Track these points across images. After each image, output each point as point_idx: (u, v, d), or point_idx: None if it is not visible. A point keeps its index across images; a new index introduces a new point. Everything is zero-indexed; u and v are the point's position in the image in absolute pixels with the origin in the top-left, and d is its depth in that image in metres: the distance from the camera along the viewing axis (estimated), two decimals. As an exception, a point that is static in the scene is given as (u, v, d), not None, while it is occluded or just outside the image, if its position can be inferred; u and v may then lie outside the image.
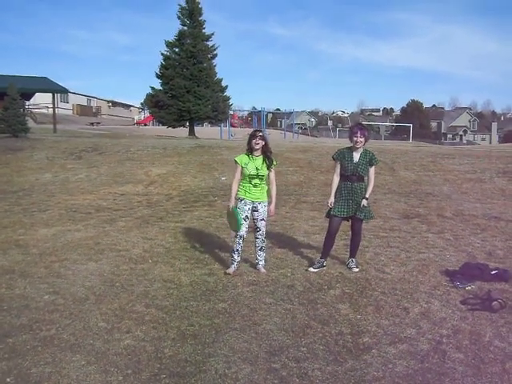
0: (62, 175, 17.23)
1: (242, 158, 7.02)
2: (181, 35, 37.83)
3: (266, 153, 7.04)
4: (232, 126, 55.37)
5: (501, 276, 6.72)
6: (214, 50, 38.91)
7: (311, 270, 7.10)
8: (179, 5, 38.00)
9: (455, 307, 5.78)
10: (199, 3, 38.37)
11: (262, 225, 7.09)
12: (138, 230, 9.64)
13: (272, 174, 7.13)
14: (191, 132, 38.26)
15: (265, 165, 6.99)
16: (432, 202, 12.79)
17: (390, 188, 14.93)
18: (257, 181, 6.95)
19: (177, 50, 37.99)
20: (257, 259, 7.17)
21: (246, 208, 6.97)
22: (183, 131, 39.04)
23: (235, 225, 6.96)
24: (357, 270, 7.14)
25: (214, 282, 6.59)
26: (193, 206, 12.19)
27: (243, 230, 6.96)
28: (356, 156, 7.05)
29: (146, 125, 71.41)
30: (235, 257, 7.03)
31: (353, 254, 7.39)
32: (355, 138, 6.97)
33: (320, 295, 6.14)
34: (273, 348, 4.69)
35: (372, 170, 7.11)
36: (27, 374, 4.14)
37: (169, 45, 38.05)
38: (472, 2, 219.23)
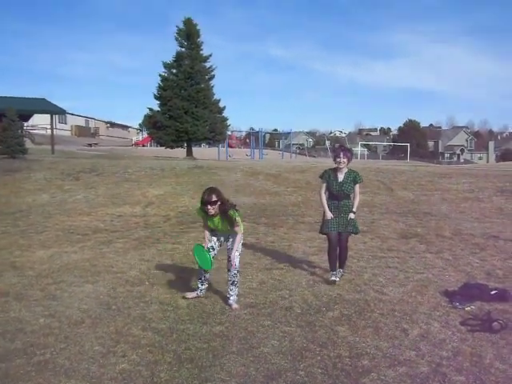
0: (60, 196, 17.19)
1: (201, 213, 6.60)
2: (178, 56, 38.11)
3: (223, 214, 6.39)
4: (230, 146, 55.44)
5: (501, 296, 6.66)
6: (212, 71, 39.18)
7: (333, 278, 7.42)
8: (177, 26, 38.45)
9: (455, 328, 5.72)
10: (197, 25, 38.74)
11: (232, 256, 6.47)
12: (135, 251, 9.58)
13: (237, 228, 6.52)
14: (189, 153, 38.31)
15: (225, 223, 6.46)
16: (430, 221, 12.76)
17: (388, 208, 14.91)
18: (218, 231, 6.67)
19: (174, 71, 38.24)
20: (228, 293, 6.56)
21: (214, 239, 6.72)
22: (181, 152, 39.10)
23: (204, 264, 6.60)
24: (338, 279, 7.45)
25: (211, 304, 6.52)
26: (190, 226, 12.13)
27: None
28: (340, 176, 7.50)
29: (144, 146, 71.49)
30: (199, 286, 6.81)
31: (341, 266, 7.71)
32: (338, 159, 7.46)
33: (318, 317, 6.07)
34: (270, 372, 4.62)
35: (357, 187, 7.55)
36: (20, 400, 4.07)
37: (166, 66, 38.30)
38: (469, 23, 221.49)
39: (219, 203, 6.34)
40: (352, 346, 5.22)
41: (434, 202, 16.07)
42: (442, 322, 5.91)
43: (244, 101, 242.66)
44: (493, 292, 6.75)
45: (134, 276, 7.81)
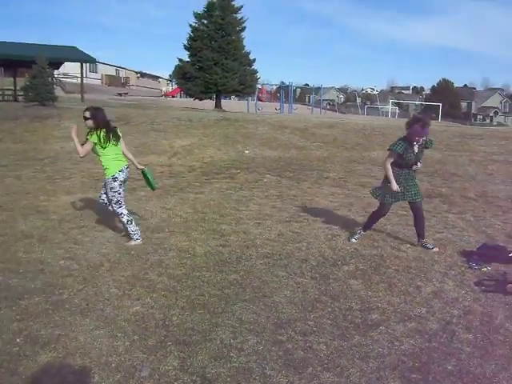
0: (87, 144, 17.32)
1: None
2: (210, 7, 37.49)
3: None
4: (260, 100, 55.01)
5: (519, 258, 6.61)
6: (243, 22, 38.49)
7: (353, 240, 7.28)
8: (209, -24, 37.69)
9: (469, 288, 5.72)
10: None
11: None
12: (157, 199, 9.70)
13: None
14: (218, 105, 38.15)
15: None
16: (456, 182, 12.63)
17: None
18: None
19: (205, 21, 37.67)
20: None
21: None
22: (210, 104, 38.97)
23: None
24: (435, 249, 7.05)
25: (228, 253, 6.62)
26: (214, 177, 12.20)
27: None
28: (415, 147, 6.89)
29: (173, 96, 71.36)
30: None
31: (422, 235, 7.26)
32: (423, 139, 6.85)
33: (333, 270, 6.13)
34: (280, 320, 4.71)
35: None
36: (37, 336, 4.23)
37: (197, 16, 37.74)
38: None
39: (92, 120, 6.82)
40: (364, 300, 5.27)
41: (461, 163, 15.85)
42: (457, 281, 5.91)
43: (275, 55, 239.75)
44: (511, 254, 6.71)
45: (154, 223, 7.94)
